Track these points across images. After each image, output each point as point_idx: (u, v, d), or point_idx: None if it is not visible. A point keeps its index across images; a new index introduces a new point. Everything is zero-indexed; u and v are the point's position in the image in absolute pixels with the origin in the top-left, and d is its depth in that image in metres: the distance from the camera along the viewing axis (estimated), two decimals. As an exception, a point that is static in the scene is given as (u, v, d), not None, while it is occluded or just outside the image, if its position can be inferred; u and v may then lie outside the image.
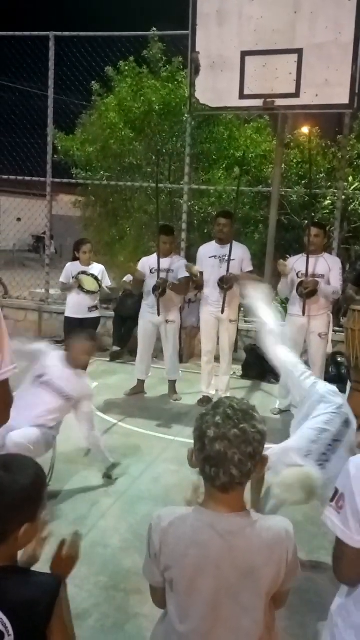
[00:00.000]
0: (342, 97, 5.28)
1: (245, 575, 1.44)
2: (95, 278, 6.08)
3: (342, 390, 5.75)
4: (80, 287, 6.02)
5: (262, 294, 3.90)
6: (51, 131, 8.38)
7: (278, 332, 3.66)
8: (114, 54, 8.58)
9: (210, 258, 5.68)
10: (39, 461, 1.60)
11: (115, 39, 8.26)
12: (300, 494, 2.55)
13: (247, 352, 7.00)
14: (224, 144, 9.37)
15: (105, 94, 9.62)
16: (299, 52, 5.33)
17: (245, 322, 7.50)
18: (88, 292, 6.05)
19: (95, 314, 6.21)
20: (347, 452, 2.80)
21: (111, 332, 7.67)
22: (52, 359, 3.90)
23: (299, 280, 5.41)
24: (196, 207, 8.78)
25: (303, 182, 8.36)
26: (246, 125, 9.75)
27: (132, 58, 9.22)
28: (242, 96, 5.57)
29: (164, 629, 1.56)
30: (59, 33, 7.99)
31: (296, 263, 5.55)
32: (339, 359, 6.38)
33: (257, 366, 6.70)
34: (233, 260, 5.57)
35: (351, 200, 8.33)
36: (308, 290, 5.29)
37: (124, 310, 7.45)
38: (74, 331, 6.13)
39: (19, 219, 9.91)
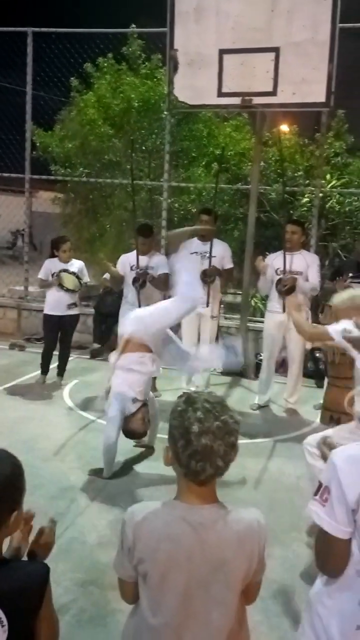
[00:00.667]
0: (318, 95, 5.33)
1: (216, 568, 1.47)
2: (77, 276, 6.06)
3: (320, 385, 5.85)
4: (61, 285, 5.99)
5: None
6: (29, 127, 8.33)
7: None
8: (93, 50, 8.55)
9: (192, 254, 5.73)
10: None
11: (94, 36, 8.23)
12: None
13: (227, 348, 7.02)
14: (203, 141, 9.36)
15: (84, 90, 9.55)
16: (276, 50, 5.37)
17: (226, 318, 7.54)
18: (68, 291, 6.03)
19: (74, 311, 6.19)
20: None
21: (91, 329, 7.65)
22: None
23: (278, 277, 5.47)
24: (176, 205, 8.78)
25: (282, 179, 8.41)
26: (225, 123, 9.76)
27: (111, 55, 9.18)
28: (220, 94, 5.60)
29: (135, 622, 1.58)
30: (37, 29, 7.94)
31: (275, 260, 5.60)
32: (317, 355, 6.44)
33: (236, 362, 6.73)
34: (214, 257, 5.64)
35: (328, 198, 8.41)
36: (287, 288, 5.34)
37: (104, 307, 7.43)
38: (54, 329, 6.16)
39: (-3, 215, 9.82)
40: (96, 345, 7.49)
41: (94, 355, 7.41)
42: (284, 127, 9.57)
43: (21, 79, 8.19)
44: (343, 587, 1.47)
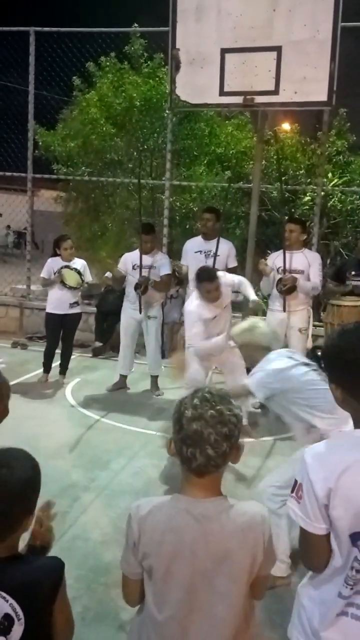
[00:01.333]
0: (320, 94, 5.32)
1: (219, 560, 1.48)
2: (78, 272, 6.07)
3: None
4: (62, 282, 6.01)
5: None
6: (32, 126, 8.33)
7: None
8: (95, 49, 8.56)
9: (196, 253, 5.76)
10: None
11: (97, 35, 8.24)
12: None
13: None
14: (205, 140, 9.37)
15: (86, 90, 9.57)
16: (278, 49, 5.35)
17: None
18: (70, 288, 6.04)
19: (76, 310, 6.21)
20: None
21: (93, 328, 7.67)
22: None
23: (279, 276, 5.47)
24: (177, 203, 8.79)
25: (283, 178, 8.42)
26: (227, 121, 9.77)
27: (113, 54, 9.19)
28: (222, 93, 5.59)
29: (141, 619, 1.59)
30: (40, 28, 7.94)
31: (276, 259, 5.60)
32: (319, 353, 6.45)
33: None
34: (219, 255, 5.65)
35: (330, 197, 8.42)
36: (287, 287, 5.35)
37: (106, 305, 7.45)
38: (56, 327, 6.18)
39: (-1, 214, 9.85)
40: (98, 344, 7.51)
41: (96, 353, 7.43)
42: (286, 126, 9.58)
43: (23, 78, 8.19)
44: (325, 579, 1.53)
